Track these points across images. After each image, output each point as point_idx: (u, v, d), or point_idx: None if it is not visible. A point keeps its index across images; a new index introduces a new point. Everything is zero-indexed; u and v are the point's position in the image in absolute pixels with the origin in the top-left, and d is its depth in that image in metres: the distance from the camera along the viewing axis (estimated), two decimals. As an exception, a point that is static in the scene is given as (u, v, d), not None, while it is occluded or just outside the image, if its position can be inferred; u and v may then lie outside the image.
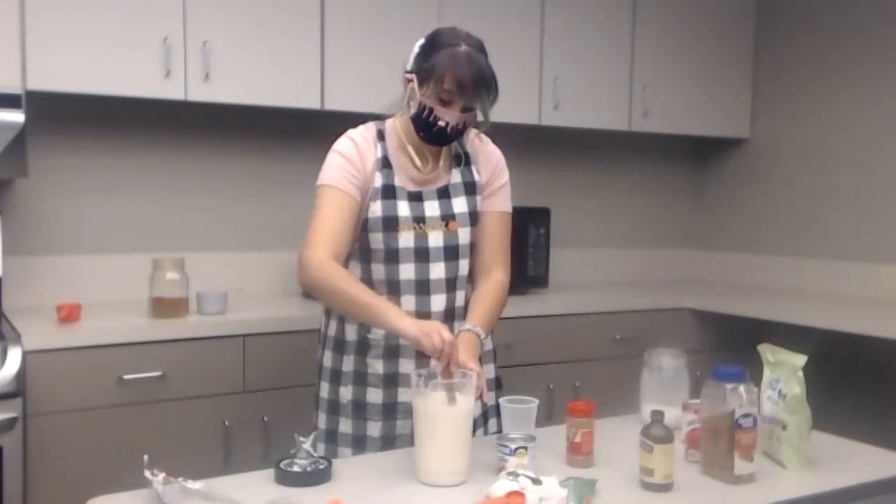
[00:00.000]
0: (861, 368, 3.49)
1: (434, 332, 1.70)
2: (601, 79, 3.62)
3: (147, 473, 1.42)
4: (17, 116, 2.48)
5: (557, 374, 3.15)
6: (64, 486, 2.35)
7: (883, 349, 2.95)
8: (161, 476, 1.41)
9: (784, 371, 1.69)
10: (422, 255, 1.91)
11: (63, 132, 2.95)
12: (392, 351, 1.93)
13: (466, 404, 1.59)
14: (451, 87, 1.80)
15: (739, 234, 4.17)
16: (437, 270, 1.92)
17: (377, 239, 1.91)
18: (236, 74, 2.86)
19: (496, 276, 2.01)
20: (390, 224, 1.90)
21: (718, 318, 3.44)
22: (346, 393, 1.97)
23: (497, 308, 1.98)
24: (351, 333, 1.96)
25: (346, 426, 1.97)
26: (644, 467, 1.52)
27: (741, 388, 1.56)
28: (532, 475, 1.42)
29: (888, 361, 3.26)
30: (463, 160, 1.98)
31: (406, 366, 1.92)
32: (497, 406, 1.96)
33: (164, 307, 2.66)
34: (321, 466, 1.54)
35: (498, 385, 2.11)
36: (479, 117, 1.90)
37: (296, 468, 1.53)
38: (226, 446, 2.59)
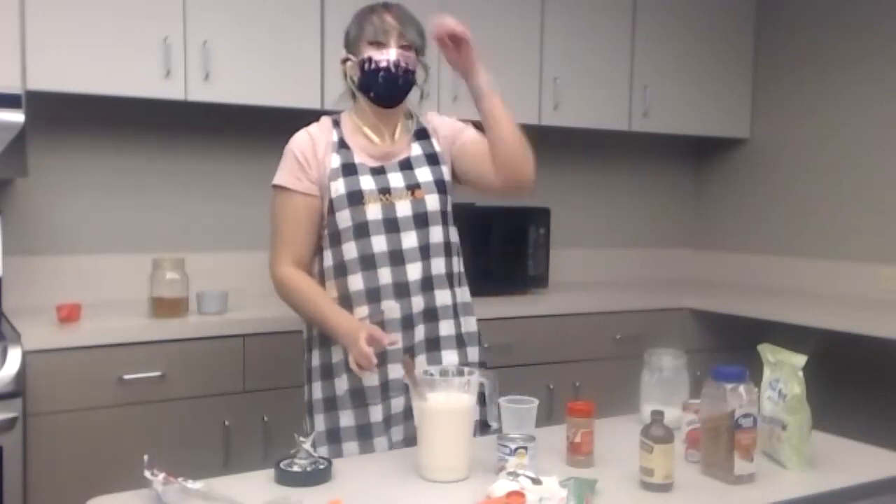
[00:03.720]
0: (861, 368, 3.49)
1: (353, 348, 1.80)
2: (601, 79, 3.62)
3: (147, 473, 1.42)
4: (17, 116, 2.48)
5: (557, 374, 3.15)
6: (64, 486, 2.35)
7: (883, 349, 2.95)
8: (161, 476, 1.41)
9: (784, 371, 1.69)
10: (391, 225, 1.93)
11: (63, 132, 2.95)
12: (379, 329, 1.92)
13: (468, 401, 1.59)
14: (375, 26, 1.92)
15: (739, 234, 4.17)
16: (409, 239, 1.93)
17: (344, 217, 1.92)
18: (236, 74, 2.86)
19: None
20: (355, 198, 1.92)
21: (718, 318, 3.44)
22: (342, 383, 1.96)
23: (517, 128, 1.97)
24: None
25: (347, 419, 1.95)
26: (644, 467, 1.52)
27: (741, 388, 1.56)
28: (532, 475, 1.42)
29: (888, 361, 3.27)
30: (420, 134, 2.04)
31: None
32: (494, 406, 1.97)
33: (164, 307, 2.65)
34: (321, 466, 1.54)
35: (482, 366, 2.07)
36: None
37: (296, 468, 1.53)
38: (226, 446, 2.60)
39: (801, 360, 1.68)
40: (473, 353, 2.05)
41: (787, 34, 3.93)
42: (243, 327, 2.65)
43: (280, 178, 1.98)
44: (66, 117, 2.93)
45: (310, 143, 1.97)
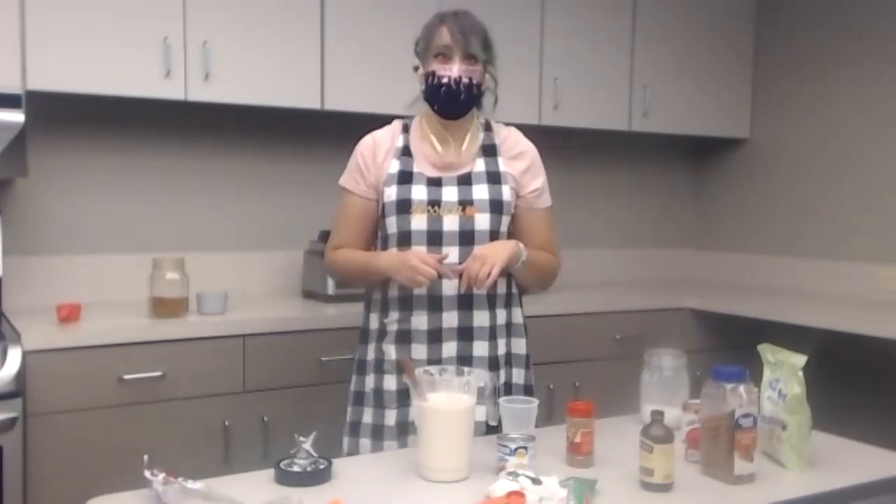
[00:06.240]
0: (861, 368, 3.49)
1: (411, 260, 1.83)
2: (601, 79, 3.62)
3: (147, 473, 1.42)
4: (17, 116, 2.48)
5: (557, 374, 3.15)
6: (64, 486, 2.35)
7: (883, 349, 2.95)
8: (161, 476, 1.41)
9: (784, 371, 1.69)
10: (434, 238, 1.94)
11: (63, 132, 2.95)
12: (404, 337, 1.96)
13: (468, 401, 1.59)
14: (442, 40, 1.92)
15: (739, 234, 4.17)
16: (451, 255, 1.93)
17: (392, 223, 1.96)
18: (236, 74, 2.86)
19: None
20: (403, 206, 1.94)
21: (718, 318, 3.44)
22: (369, 381, 2.01)
23: (543, 259, 2.10)
24: (374, 322, 2.02)
25: (367, 416, 2.01)
26: (644, 467, 1.52)
27: (741, 388, 1.56)
28: (532, 475, 1.42)
29: (888, 361, 3.26)
30: (488, 151, 2.04)
31: (418, 351, 1.94)
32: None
33: (164, 307, 2.65)
34: (321, 466, 1.54)
35: (528, 393, 2.05)
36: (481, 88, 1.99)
37: (296, 468, 1.53)
38: (226, 446, 2.59)
39: (801, 360, 1.68)
40: (519, 375, 2.06)
41: (787, 34, 3.93)
42: (243, 327, 2.64)
43: (343, 178, 2.06)
44: (66, 117, 2.93)
45: (372, 147, 2.02)
